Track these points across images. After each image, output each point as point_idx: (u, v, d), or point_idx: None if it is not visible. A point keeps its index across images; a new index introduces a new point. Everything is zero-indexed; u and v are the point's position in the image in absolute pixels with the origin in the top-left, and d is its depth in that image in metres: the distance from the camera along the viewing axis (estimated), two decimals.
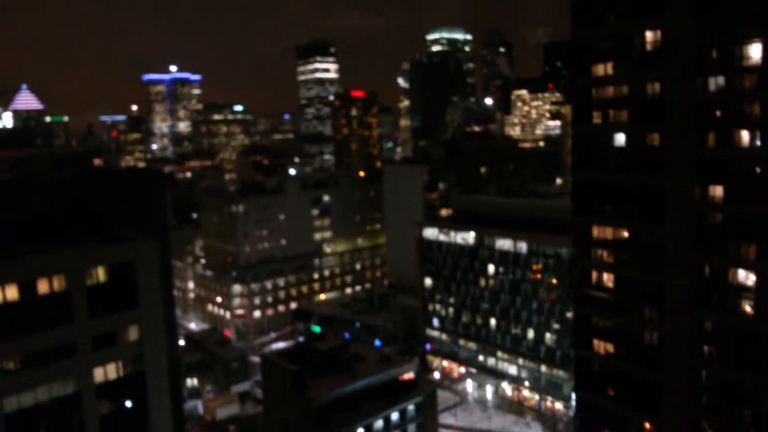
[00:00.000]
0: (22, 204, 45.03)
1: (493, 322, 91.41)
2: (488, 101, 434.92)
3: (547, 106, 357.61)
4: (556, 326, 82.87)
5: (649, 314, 51.46)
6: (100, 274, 37.97)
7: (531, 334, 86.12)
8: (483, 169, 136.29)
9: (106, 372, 38.30)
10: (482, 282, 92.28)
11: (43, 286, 35.64)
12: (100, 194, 49.77)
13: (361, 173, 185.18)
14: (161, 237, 47.94)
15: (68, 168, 59.56)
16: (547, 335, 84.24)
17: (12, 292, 34.61)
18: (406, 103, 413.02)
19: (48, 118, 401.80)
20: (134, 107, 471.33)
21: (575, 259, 58.48)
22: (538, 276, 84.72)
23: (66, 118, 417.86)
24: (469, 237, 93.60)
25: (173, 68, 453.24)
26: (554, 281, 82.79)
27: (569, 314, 77.75)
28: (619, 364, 53.88)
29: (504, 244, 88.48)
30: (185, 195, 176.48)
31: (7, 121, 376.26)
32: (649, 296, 51.09)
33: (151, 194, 56.36)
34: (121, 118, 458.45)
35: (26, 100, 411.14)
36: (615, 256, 54.17)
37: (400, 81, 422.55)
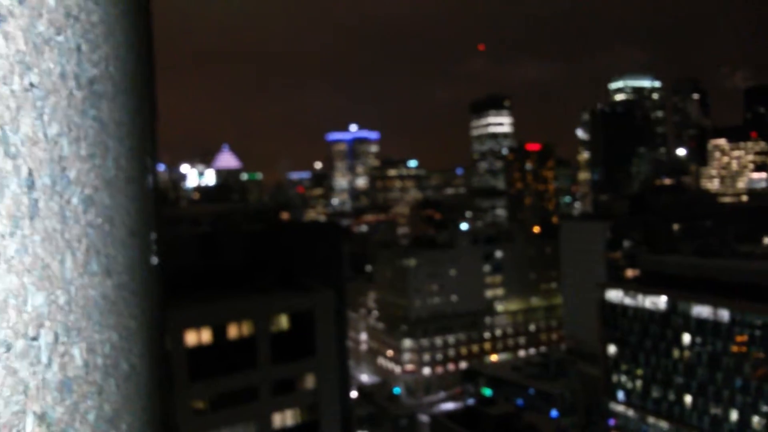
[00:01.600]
0: (218, 253, 50.28)
1: (688, 399, 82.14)
2: (680, 152, 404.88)
3: (751, 157, 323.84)
4: (765, 408, 72.19)
5: None
6: (283, 321, 40.72)
7: (734, 415, 75.85)
8: (675, 226, 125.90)
9: (284, 418, 40.44)
10: (675, 353, 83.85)
11: (232, 331, 39.04)
12: (285, 245, 53.99)
13: (536, 229, 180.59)
14: (337, 287, 50.52)
15: (259, 221, 65.46)
16: (755, 418, 73.59)
17: (206, 335, 38.32)
18: (585, 155, 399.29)
19: (245, 176, 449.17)
20: (318, 164, 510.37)
21: None
22: (743, 349, 75.01)
23: (260, 175, 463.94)
24: (660, 301, 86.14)
25: (353, 127, 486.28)
26: (762, 355, 72.73)
27: None
28: None
29: (701, 311, 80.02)
30: (360, 248, 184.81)
31: (209, 178, 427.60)
32: None
33: (330, 246, 59.97)
34: (306, 174, 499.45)
35: (227, 159, 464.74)
36: None
37: (579, 132, 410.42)
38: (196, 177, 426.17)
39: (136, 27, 2.25)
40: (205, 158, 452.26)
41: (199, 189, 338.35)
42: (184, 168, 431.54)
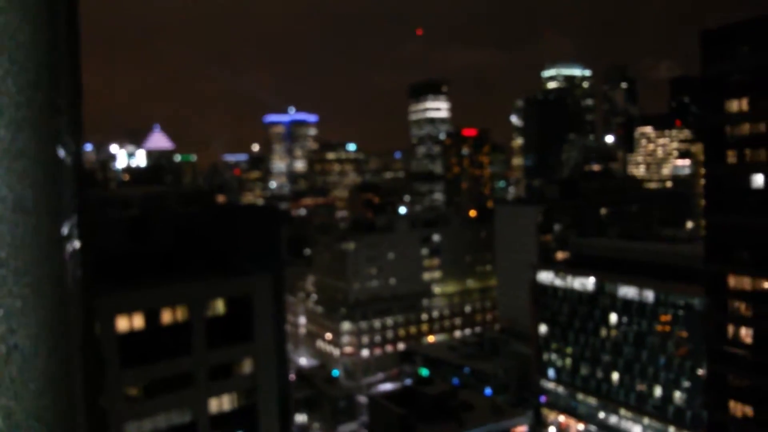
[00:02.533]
0: (150, 237, 48.58)
1: (615, 376, 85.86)
2: (609, 139, 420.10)
3: (675, 144, 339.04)
4: (686, 384, 76.31)
5: None
6: (219, 306, 39.83)
7: (658, 391, 79.88)
8: (603, 211, 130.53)
9: (221, 403, 39.73)
10: (603, 332, 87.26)
11: (166, 316, 37.89)
12: (221, 229, 52.69)
13: (472, 213, 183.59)
14: (275, 272, 49.81)
15: (194, 204, 63.66)
16: (677, 394, 77.74)
17: (138, 321, 37.04)
18: (519, 141, 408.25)
19: (178, 157, 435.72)
20: (255, 147, 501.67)
21: (709, 310, 53.95)
22: (667, 328, 78.85)
23: (194, 157, 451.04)
24: (589, 283, 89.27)
25: (292, 110, 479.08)
26: (684, 334, 76.68)
27: (701, 371, 71.45)
28: (758, 429, 48.46)
29: (627, 291, 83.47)
30: (299, 231, 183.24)
31: (140, 159, 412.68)
32: None
33: (267, 230, 58.97)
34: (243, 157, 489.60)
35: (158, 140, 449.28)
36: (754, 309, 49.37)
37: (514, 119, 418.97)
38: (126, 158, 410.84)
39: None
40: (135, 138, 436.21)
41: (129, 170, 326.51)
42: (114, 148, 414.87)
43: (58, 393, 2.21)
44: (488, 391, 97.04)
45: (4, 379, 1.63)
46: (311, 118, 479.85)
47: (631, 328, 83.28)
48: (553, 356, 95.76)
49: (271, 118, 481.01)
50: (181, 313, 38.19)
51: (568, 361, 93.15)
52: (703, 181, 57.84)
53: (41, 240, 2.04)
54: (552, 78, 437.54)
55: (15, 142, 1.80)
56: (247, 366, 40.72)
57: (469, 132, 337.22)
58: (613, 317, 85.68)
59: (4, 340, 1.64)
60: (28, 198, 1.89)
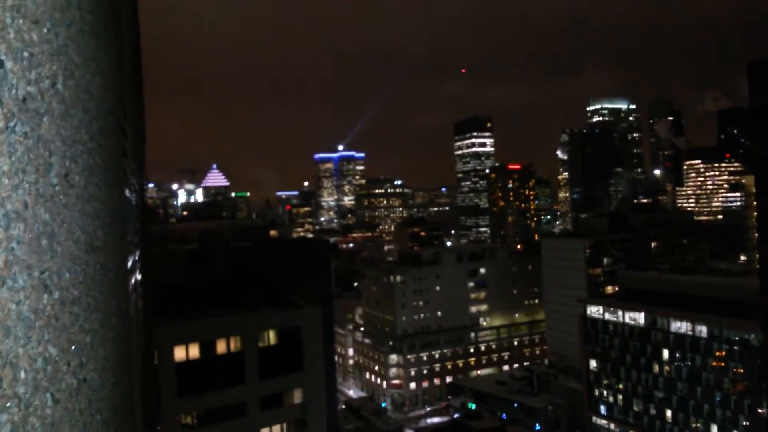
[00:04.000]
0: (207, 270, 49.62)
1: (669, 413, 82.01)
2: (657, 172, 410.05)
3: (725, 177, 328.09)
4: (744, 423, 72.17)
5: None
6: (271, 337, 40.14)
7: (714, 430, 75.75)
8: (653, 244, 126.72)
9: None
10: (656, 367, 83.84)
11: (221, 346, 38.38)
12: (273, 262, 53.46)
13: (519, 246, 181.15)
14: (325, 303, 50.03)
15: (248, 238, 64.97)
16: None
17: (194, 351, 37.63)
18: (564, 175, 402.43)
19: (233, 194, 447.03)
20: (306, 183, 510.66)
21: (765, 346, 51.20)
22: (722, 364, 75.14)
23: (248, 194, 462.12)
24: (640, 317, 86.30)
25: (340, 147, 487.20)
26: (741, 371, 72.84)
27: (762, 410, 67.52)
28: None
29: (680, 326, 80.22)
30: (347, 264, 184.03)
31: (199, 196, 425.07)
32: None
33: (317, 263, 59.49)
34: (294, 193, 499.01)
35: (215, 178, 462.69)
36: None
37: (559, 153, 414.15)
38: (185, 195, 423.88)
39: (106, 43, 2.30)
40: (194, 177, 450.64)
41: (188, 206, 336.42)
42: (174, 187, 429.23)
43: (123, 423, 2.29)
44: (538, 427, 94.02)
45: (74, 412, 1.69)
46: (359, 155, 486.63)
47: (684, 363, 79.78)
48: (604, 392, 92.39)
49: (321, 155, 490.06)
50: (234, 344, 38.63)
51: (620, 397, 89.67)
52: (755, 213, 55.60)
53: (109, 276, 2.14)
54: (597, 112, 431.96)
55: (87, 188, 1.90)
56: (297, 396, 40.70)
57: (514, 166, 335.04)
58: (666, 352, 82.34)
59: (74, 374, 1.70)
60: (98, 238, 1.99)
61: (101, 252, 2.00)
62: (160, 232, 66.44)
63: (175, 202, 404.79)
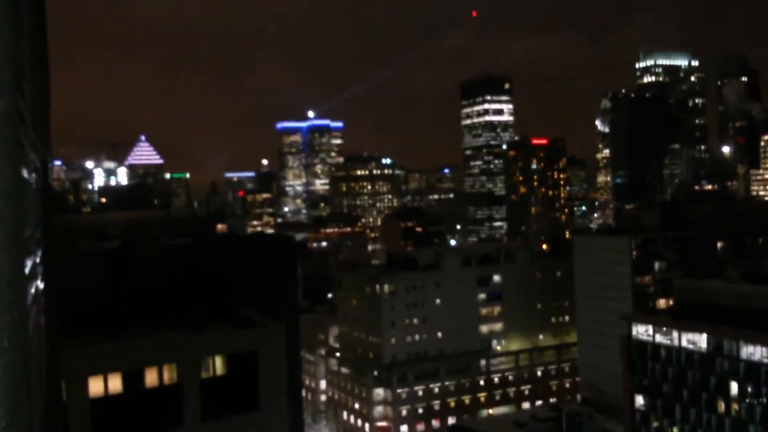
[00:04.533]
0: (132, 276, 49.33)
1: None
2: (725, 150, 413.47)
3: None
4: None
5: None
6: (218, 364, 40.01)
7: None
8: (719, 244, 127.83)
9: None
10: (721, 406, 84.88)
11: (151, 377, 38.19)
12: (221, 266, 53.23)
13: (544, 246, 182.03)
14: (290, 321, 49.96)
15: (188, 234, 64.68)
16: None
17: (115, 383, 37.39)
18: (606, 153, 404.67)
19: (167, 175, 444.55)
20: (265, 162, 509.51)
21: None
22: None
23: (188, 175, 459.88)
24: (701, 340, 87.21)
25: (311, 114, 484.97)
26: None
27: None
28: None
29: (754, 352, 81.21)
30: (319, 269, 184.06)
31: (122, 177, 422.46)
32: None
33: (279, 268, 59.37)
34: (249, 174, 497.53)
35: (144, 154, 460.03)
36: None
37: (598, 124, 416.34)
38: (103, 176, 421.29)
39: None
40: (116, 153, 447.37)
41: (107, 191, 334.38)
42: (89, 165, 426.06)
43: None
44: None
45: None
46: (335, 124, 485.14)
47: (758, 400, 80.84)
48: None
49: (285, 124, 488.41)
50: (169, 374, 38.47)
51: None
52: None
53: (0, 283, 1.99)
54: (649, 70, 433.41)
55: None
56: None
57: (539, 141, 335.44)
58: (735, 386, 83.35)
59: None
60: None
61: None
62: (70, 226, 65.97)
63: (90, 186, 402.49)
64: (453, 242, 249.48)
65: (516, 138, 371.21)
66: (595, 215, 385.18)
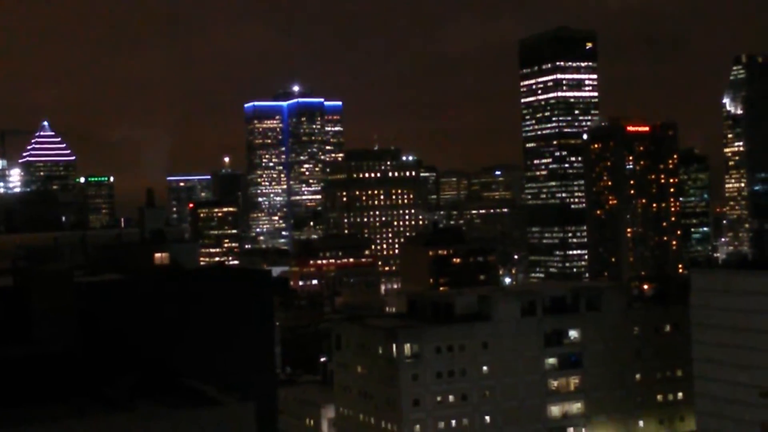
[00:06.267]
0: (26, 332, 49.38)
1: None
2: None
3: None
4: None
5: None
6: None
7: None
8: None
9: None
10: None
11: None
12: (161, 315, 53.29)
13: (645, 286, 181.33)
14: (262, 398, 49.84)
15: (112, 266, 64.88)
16: None
17: None
18: (737, 146, 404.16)
19: (81, 179, 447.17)
20: (226, 159, 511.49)
21: None
22: None
23: (111, 179, 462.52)
24: None
25: (296, 88, 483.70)
26: None
27: None
28: None
29: None
30: (308, 320, 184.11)
31: (14, 180, 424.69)
32: None
33: (248, 318, 59.35)
34: (203, 178, 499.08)
35: (47, 146, 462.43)
36: None
37: (726, 103, 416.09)
38: None
39: None
40: (4, 144, 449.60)
41: None
42: None
43: None
44: None
45: None
46: (332, 103, 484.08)
47: None
48: None
49: (257, 104, 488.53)
50: None
51: None
52: None
53: None
54: None
55: None
56: None
57: (639, 128, 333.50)
58: None
59: None
60: None
61: None
62: None
63: None
64: (508, 280, 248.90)
65: (603, 123, 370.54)
66: (723, 239, 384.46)
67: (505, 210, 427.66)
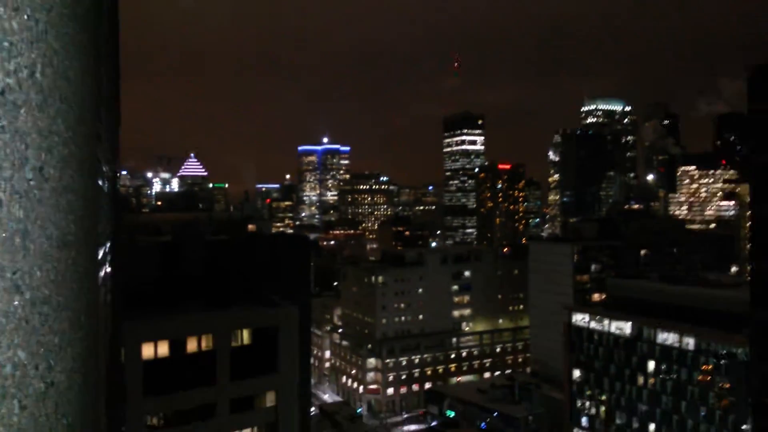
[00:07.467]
0: (180, 264, 49.31)
1: (652, 427, 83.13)
2: (650, 178, 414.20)
3: (719, 185, 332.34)
4: None
5: None
6: (245, 336, 40.02)
7: None
8: (642, 252, 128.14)
9: None
10: (640, 380, 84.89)
11: (191, 345, 38.19)
12: (251, 258, 53.30)
13: (506, 249, 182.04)
14: (303, 303, 50.02)
15: (225, 232, 64.66)
16: None
17: (163, 349, 37.41)
18: (556, 177, 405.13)
19: (210, 185, 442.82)
20: (288, 176, 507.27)
21: (754, 361, 52.14)
22: (708, 378, 76.36)
23: (226, 185, 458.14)
24: (626, 327, 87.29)
25: (325, 139, 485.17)
26: (727, 385, 74.08)
27: (746, 426, 68.74)
28: None
29: (667, 337, 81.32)
30: (328, 263, 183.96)
31: (174, 186, 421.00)
32: None
33: (297, 260, 59.41)
34: (275, 186, 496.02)
35: (193, 167, 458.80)
36: None
37: (551, 154, 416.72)
38: (160, 184, 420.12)
39: (84, 24, 2.26)
40: (170, 166, 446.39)
41: (162, 196, 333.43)
42: (149, 175, 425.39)
43: (87, 426, 2.31)
44: None
45: (40, 418, 1.67)
46: (344, 148, 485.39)
47: (669, 376, 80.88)
48: (587, 403, 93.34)
49: (304, 147, 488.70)
50: (206, 342, 38.47)
51: (603, 409, 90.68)
52: (749, 224, 56.65)
53: (80, 272, 2.10)
54: (591, 113, 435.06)
55: (62, 180, 1.87)
56: (269, 399, 40.61)
57: (504, 166, 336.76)
58: (652, 364, 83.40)
59: (42, 378, 1.69)
60: (71, 233, 1.95)
61: (73, 247, 1.96)
62: (133, 223, 65.94)
63: (149, 192, 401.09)
64: (434, 244, 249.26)
65: (486, 163, 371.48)
66: (546, 226, 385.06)
67: (433, 207, 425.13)
